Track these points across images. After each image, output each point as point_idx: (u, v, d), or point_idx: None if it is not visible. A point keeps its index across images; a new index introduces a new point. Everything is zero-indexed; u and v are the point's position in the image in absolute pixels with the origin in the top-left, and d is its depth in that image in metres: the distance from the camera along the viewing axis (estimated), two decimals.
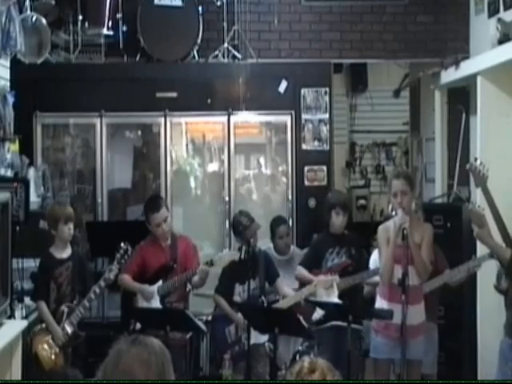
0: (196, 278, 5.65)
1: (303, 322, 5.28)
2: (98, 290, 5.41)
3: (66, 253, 5.55)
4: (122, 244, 5.48)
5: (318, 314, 5.63)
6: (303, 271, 5.91)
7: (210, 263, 5.59)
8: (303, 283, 5.93)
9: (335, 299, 5.66)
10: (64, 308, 5.44)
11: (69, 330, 5.39)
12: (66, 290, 5.49)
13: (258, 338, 5.58)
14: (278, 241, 6.52)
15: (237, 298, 5.84)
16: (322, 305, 5.56)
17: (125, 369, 2.20)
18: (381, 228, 5.22)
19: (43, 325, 5.44)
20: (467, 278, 5.70)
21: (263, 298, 5.83)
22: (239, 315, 5.66)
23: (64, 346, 5.39)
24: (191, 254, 5.83)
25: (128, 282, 5.71)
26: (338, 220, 5.89)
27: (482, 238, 4.62)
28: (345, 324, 5.30)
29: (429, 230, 5.19)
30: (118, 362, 2.22)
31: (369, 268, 5.89)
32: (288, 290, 5.95)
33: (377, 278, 5.75)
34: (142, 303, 5.70)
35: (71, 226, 5.50)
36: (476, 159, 4.93)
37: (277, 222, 6.57)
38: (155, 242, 5.82)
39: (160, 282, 5.67)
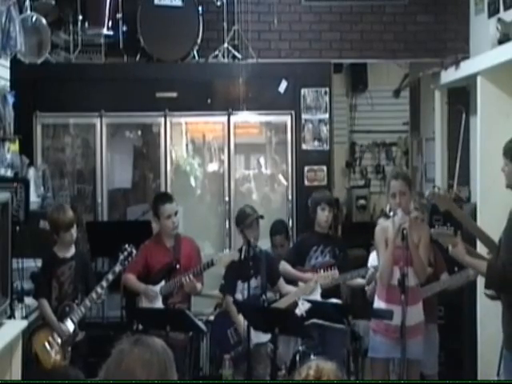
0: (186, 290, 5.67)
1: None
2: (99, 291, 5.42)
3: (69, 252, 5.57)
4: (127, 246, 5.48)
5: (300, 309, 5.64)
6: (287, 266, 5.98)
7: (211, 263, 5.61)
8: (287, 279, 5.98)
9: (318, 297, 5.70)
10: (65, 307, 5.45)
11: (69, 328, 5.40)
12: (68, 289, 5.50)
13: (261, 337, 5.57)
14: (273, 247, 6.53)
15: (238, 296, 5.84)
16: (321, 305, 5.57)
17: (127, 369, 2.20)
18: (378, 229, 5.22)
19: (43, 323, 5.45)
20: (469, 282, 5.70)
21: (264, 296, 5.84)
22: (241, 318, 5.66)
23: (63, 345, 5.40)
24: (194, 256, 5.84)
25: (133, 282, 5.72)
26: (323, 215, 5.92)
27: (457, 256, 4.57)
28: (326, 323, 5.36)
29: (426, 230, 5.18)
30: (120, 362, 2.22)
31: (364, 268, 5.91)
32: (290, 288, 5.96)
33: (360, 280, 5.79)
34: (143, 303, 5.70)
35: (73, 231, 5.51)
36: (434, 187, 4.97)
37: (273, 231, 6.54)
38: (159, 242, 5.83)
39: (163, 283, 5.68)
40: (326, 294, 5.82)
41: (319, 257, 5.92)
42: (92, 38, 7.33)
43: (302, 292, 5.75)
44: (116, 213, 7.45)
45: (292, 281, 5.99)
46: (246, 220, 5.86)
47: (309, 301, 5.62)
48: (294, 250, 6.18)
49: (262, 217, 6.03)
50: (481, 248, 4.98)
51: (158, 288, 5.70)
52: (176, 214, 5.80)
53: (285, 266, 5.99)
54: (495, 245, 4.57)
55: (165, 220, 5.76)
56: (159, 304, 5.66)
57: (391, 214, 5.05)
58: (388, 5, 7.78)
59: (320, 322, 5.54)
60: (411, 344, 4.94)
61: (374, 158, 10.47)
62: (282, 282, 5.98)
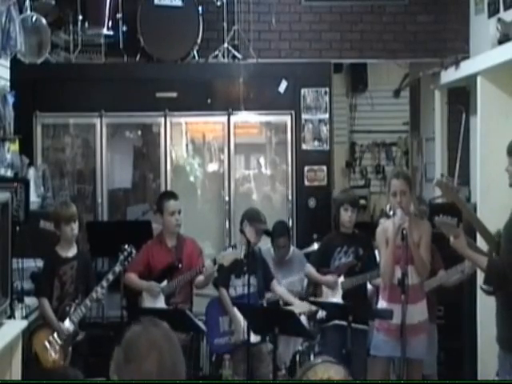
0: (201, 278, 5.66)
1: (303, 322, 5.29)
2: (100, 291, 5.42)
3: (71, 252, 5.58)
4: (126, 246, 5.48)
5: (322, 312, 5.64)
6: (311, 269, 5.94)
7: (214, 262, 5.60)
8: (311, 281, 6.00)
9: (339, 299, 5.68)
10: (65, 306, 5.46)
11: (70, 328, 5.41)
12: (69, 289, 5.51)
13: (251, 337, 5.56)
14: (275, 248, 6.53)
15: (231, 291, 5.84)
16: (323, 305, 5.57)
17: (149, 341, 2.19)
18: (379, 229, 5.23)
19: (43, 323, 5.46)
20: (467, 278, 5.69)
21: (261, 295, 5.86)
22: (237, 314, 5.65)
23: (64, 345, 5.40)
24: (196, 256, 5.83)
25: (135, 280, 5.71)
26: (346, 216, 5.88)
27: (457, 247, 4.56)
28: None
29: (427, 228, 5.18)
30: (137, 339, 2.21)
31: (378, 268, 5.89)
32: (281, 289, 6.02)
33: (379, 281, 5.75)
34: (146, 303, 5.70)
35: (74, 225, 5.52)
36: (442, 175, 4.93)
37: (277, 232, 6.53)
38: (161, 241, 5.83)
39: (165, 282, 5.67)
40: (347, 295, 5.76)
41: (343, 257, 5.87)
42: (92, 37, 7.34)
43: (299, 311, 5.72)
44: (116, 213, 7.45)
45: (317, 284, 5.97)
46: (256, 223, 5.88)
47: (310, 301, 5.63)
48: (319, 252, 6.12)
49: (268, 232, 6.11)
50: (480, 243, 4.97)
51: (160, 286, 5.70)
52: (180, 212, 5.81)
53: (309, 268, 5.96)
54: (495, 242, 4.57)
55: (168, 216, 5.77)
56: (162, 303, 5.65)
57: (391, 213, 5.05)
58: (388, 5, 7.79)
59: (342, 323, 5.51)
60: (413, 343, 4.95)
61: (374, 158, 10.47)
62: (274, 284, 6.00)
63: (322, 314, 5.65)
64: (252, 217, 5.98)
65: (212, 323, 5.89)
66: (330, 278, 5.76)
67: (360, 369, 5.46)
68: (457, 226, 4.56)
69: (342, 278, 5.75)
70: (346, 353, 5.07)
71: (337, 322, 5.51)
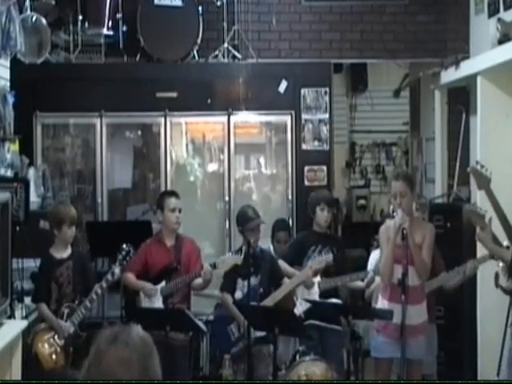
0: (199, 281, 5.65)
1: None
2: (99, 291, 5.42)
3: (65, 253, 5.57)
4: (124, 245, 5.48)
5: (298, 310, 5.64)
6: (284, 265, 5.97)
7: (213, 266, 5.58)
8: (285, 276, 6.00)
9: (316, 298, 5.70)
10: (65, 308, 5.45)
11: (70, 329, 5.40)
12: (67, 290, 5.50)
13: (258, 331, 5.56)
14: (276, 244, 6.54)
15: (238, 293, 5.84)
16: (321, 305, 5.57)
17: (107, 370, 2.17)
18: (382, 228, 5.23)
19: (43, 324, 5.45)
20: (467, 280, 5.69)
21: (261, 290, 5.84)
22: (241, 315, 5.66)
23: (65, 346, 5.40)
24: (195, 256, 5.82)
25: (132, 280, 5.71)
26: (323, 215, 5.92)
27: (482, 239, 4.59)
28: (323, 324, 5.40)
29: (430, 230, 5.18)
30: (99, 363, 2.20)
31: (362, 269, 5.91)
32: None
33: (359, 283, 5.79)
34: (144, 303, 5.69)
35: (74, 228, 5.53)
36: (477, 162, 4.92)
37: (277, 227, 6.54)
38: (160, 241, 5.82)
39: (163, 283, 5.66)
40: (325, 294, 5.81)
41: (317, 256, 5.91)
42: (92, 37, 7.34)
43: (299, 280, 5.74)
44: (116, 213, 7.45)
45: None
46: (248, 223, 5.87)
47: (309, 301, 5.63)
48: (292, 250, 6.18)
49: (263, 222, 6.08)
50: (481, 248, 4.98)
51: (158, 287, 5.69)
52: (180, 211, 5.81)
53: (282, 264, 6.00)
54: None
55: (169, 213, 5.76)
56: (159, 304, 5.65)
57: (394, 214, 5.05)
58: (388, 5, 7.79)
59: (317, 322, 5.54)
60: (412, 344, 4.94)
61: (374, 158, 10.48)
62: (286, 281, 5.99)
63: (298, 311, 5.64)
64: (242, 221, 5.95)
65: (221, 337, 5.88)
66: (307, 270, 5.76)
67: (338, 369, 5.46)
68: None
69: (318, 278, 5.76)
70: (346, 354, 5.10)
71: (312, 321, 5.52)
